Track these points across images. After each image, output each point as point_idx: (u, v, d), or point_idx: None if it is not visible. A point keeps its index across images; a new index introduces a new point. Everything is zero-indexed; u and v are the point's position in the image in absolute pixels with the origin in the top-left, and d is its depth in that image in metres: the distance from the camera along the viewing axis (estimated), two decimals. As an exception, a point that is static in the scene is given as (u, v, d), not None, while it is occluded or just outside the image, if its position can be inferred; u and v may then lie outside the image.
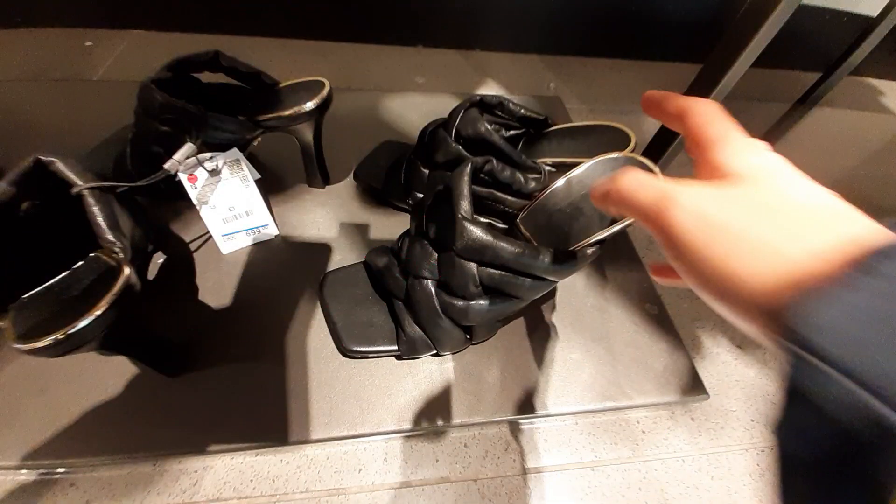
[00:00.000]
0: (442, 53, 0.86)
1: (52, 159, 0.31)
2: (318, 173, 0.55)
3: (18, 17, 0.68)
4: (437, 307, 0.39)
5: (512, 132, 0.49)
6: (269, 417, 0.38)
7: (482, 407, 0.41)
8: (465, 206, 0.37)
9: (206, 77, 0.49)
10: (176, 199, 0.48)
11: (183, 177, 0.43)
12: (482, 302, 0.38)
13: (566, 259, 0.34)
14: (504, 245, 0.34)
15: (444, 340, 0.41)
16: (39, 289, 0.30)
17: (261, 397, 0.39)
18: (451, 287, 0.38)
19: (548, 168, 0.43)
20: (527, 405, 0.42)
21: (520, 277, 0.35)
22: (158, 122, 0.43)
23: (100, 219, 0.31)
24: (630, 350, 0.47)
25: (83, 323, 0.27)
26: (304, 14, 0.77)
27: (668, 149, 0.57)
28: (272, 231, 0.50)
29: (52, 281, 0.31)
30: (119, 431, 0.36)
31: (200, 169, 0.43)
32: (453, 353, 0.44)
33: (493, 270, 0.36)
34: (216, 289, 0.45)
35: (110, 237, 0.30)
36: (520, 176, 0.41)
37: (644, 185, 0.19)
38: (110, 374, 0.39)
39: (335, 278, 0.46)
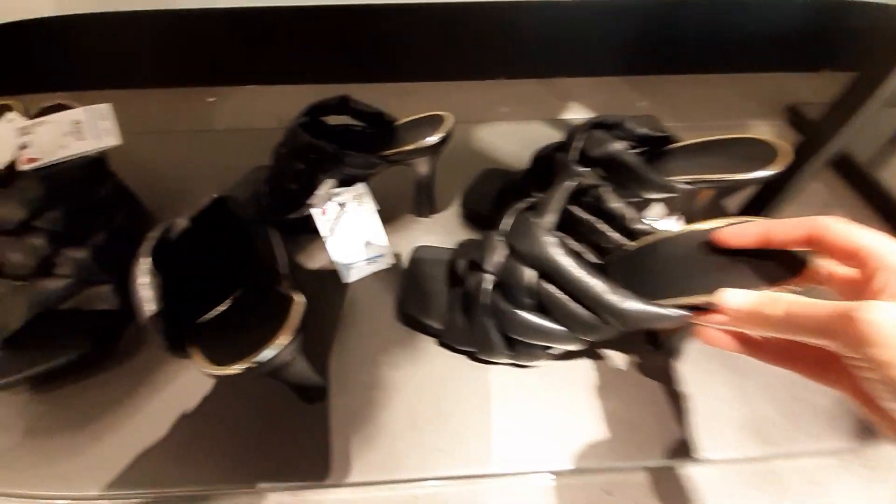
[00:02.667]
0: (523, 84, 0.88)
1: (229, 196, 0.34)
2: (428, 203, 0.56)
3: (143, 79, 0.78)
4: (487, 303, 0.38)
5: (635, 151, 0.49)
6: (398, 449, 0.38)
7: (626, 450, 0.39)
8: (549, 217, 0.36)
9: (331, 119, 0.53)
10: (301, 233, 0.51)
11: (316, 211, 0.46)
12: (528, 316, 0.36)
13: (644, 309, 0.29)
14: (571, 267, 0.32)
15: (483, 342, 0.40)
16: (217, 315, 0.33)
17: (385, 429, 0.39)
18: (505, 289, 0.37)
19: (684, 186, 0.42)
20: (676, 449, 0.39)
21: (580, 308, 0.33)
22: (301, 161, 0.47)
23: (277, 251, 0.33)
24: (788, 386, 0.42)
25: (270, 353, 0.28)
26: (388, 59, 0.83)
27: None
28: (389, 260, 0.51)
29: (226, 307, 0.33)
30: (206, 463, 0.37)
31: (331, 202, 0.46)
32: (491, 363, 0.43)
33: (553, 289, 0.34)
34: (341, 317, 0.47)
35: (283, 268, 0.33)
36: (628, 212, 0.38)
37: (813, 304, 0.21)
38: (198, 405, 0.40)
39: (424, 251, 0.49)
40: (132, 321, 0.42)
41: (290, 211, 0.50)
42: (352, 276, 0.50)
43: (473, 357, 0.43)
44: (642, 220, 0.37)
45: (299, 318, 0.30)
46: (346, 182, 0.48)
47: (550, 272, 0.33)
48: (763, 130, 0.79)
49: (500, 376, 0.43)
